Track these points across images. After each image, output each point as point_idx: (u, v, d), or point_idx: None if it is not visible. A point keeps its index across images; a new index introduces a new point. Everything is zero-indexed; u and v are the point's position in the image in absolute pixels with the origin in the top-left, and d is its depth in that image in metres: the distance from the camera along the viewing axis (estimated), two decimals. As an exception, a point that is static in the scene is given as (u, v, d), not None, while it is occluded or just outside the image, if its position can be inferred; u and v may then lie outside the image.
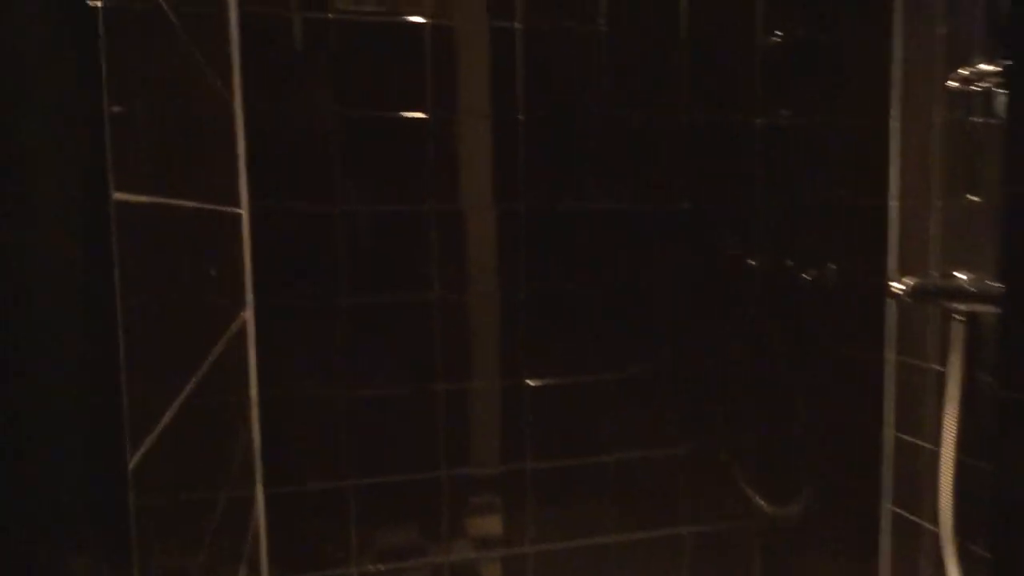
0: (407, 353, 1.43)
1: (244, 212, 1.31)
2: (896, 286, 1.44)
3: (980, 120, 1.34)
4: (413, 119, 1.38)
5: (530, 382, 1.49)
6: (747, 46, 1.55)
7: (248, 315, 1.32)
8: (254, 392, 1.34)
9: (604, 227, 1.52)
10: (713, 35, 1.55)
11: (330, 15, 1.35)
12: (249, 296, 1.33)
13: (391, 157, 1.38)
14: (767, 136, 1.58)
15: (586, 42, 1.47)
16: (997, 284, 1.24)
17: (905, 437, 1.58)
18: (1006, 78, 1.24)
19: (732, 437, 1.64)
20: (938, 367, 1.44)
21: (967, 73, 1.33)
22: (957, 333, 1.38)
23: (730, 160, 1.57)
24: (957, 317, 1.37)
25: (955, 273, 1.40)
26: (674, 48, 1.50)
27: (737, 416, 1.64)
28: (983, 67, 1.31)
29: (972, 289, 1.30)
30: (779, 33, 1.57)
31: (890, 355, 1.60)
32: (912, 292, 1.42)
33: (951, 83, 1.35)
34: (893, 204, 1.61)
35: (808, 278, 1.64)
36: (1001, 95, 1.27)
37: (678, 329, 1.59)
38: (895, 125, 1.59)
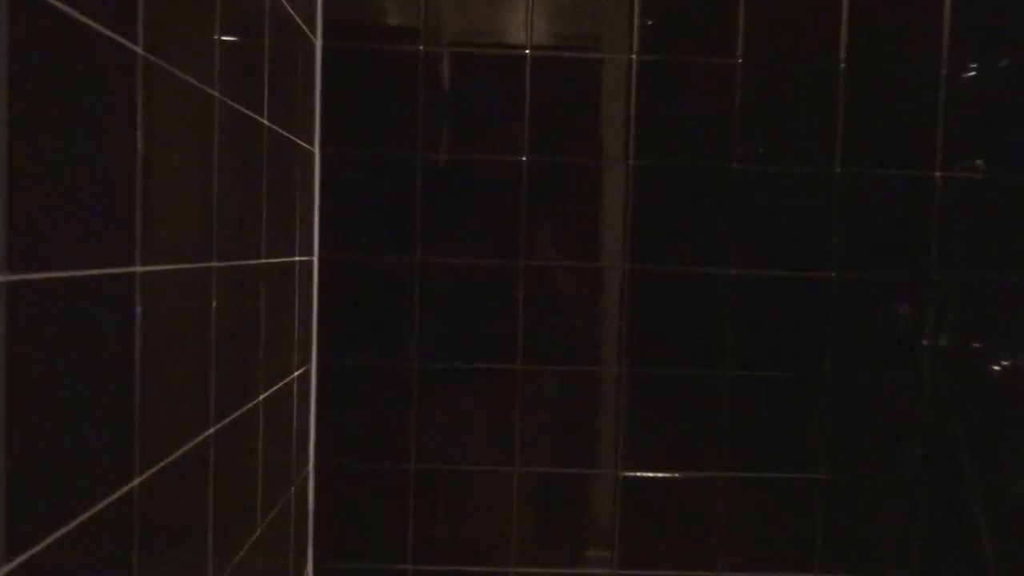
0: (483, 428, 1.26)
1: (315, 259, 1.21)
2: None
3: None
4: (509, 161, 1.22)
5: (626, 474, 1.26)
6: (928, 80, 1.24)
7: (311, 370, 1.20)
8: (311, 457, 1.22)
9: (732, 294, 1.26)
10: (881, 67, 1.25)
11: (422, 47, 1.22)
12: (313, 351, 1.22)
13: (481, 203, 1.22)
14: (948, 192, 1.25)
15: (719, 76, 1.24)
16: None
17: None
18: None
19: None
20: None
21: None
22: None
23: (899, 219, 1.26)
24: None
25: None
26: (829, 84, 1.23)
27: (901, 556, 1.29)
28: None
29: None
30: (973, 65, 1.25)
31: None
32: None
33: None
34: None
35: (998, 368, 1.27)
36: None
37: (832, 427, 1.27)
38: None
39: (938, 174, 1.25)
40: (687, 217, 1.24)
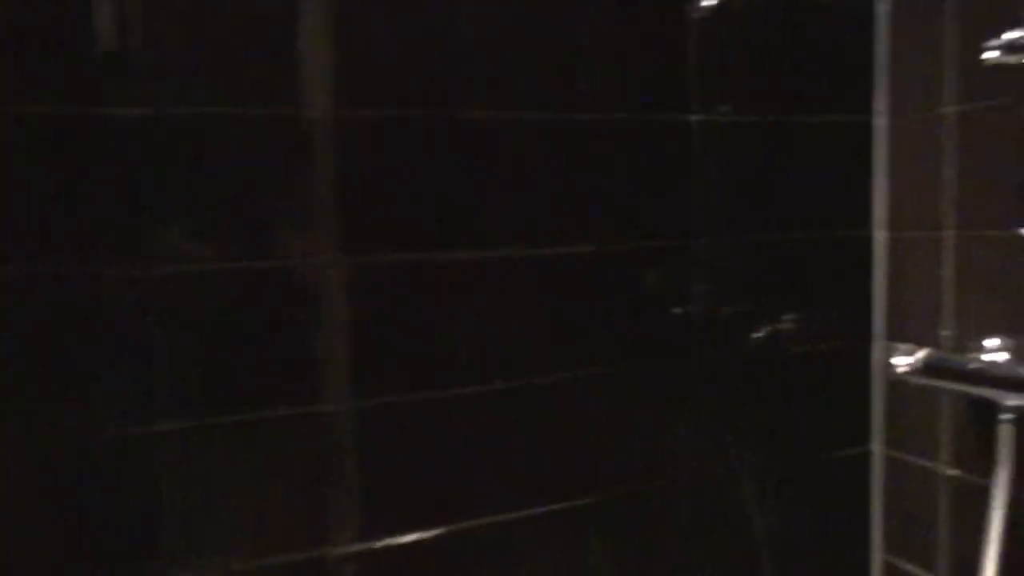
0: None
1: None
2: (898, 363, 1.11)
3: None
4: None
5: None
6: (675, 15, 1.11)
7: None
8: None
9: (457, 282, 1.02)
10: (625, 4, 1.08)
11: None
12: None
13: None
14: (704, 139, 1.13)
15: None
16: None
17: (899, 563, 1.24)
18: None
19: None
20: (952, 470, 1.11)
21: (1019, 38, 0.90)
22: (1006, 438, 1.05)
23: (657, 173, 1.12)
24: (1004, 417, 1.05)
25: (985, 343, 1.09)
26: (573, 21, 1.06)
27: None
28: None
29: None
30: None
31: (877, 448, 1.25)
32: (920, 370, 1.08)
33: (989, 55, 0.93)
34: (880, 236, 1.26)
35: (761, 337, 1.20)
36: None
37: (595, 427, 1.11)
38: (881, 122, 1.24)
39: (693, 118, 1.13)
40: (408, 189, 0.98)
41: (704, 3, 1.11)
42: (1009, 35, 0.90)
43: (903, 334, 1.23)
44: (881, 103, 1.23)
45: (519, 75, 1.03)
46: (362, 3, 0.94)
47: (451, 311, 1.02)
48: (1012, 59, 0.91)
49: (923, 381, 1.08)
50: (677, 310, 1.14)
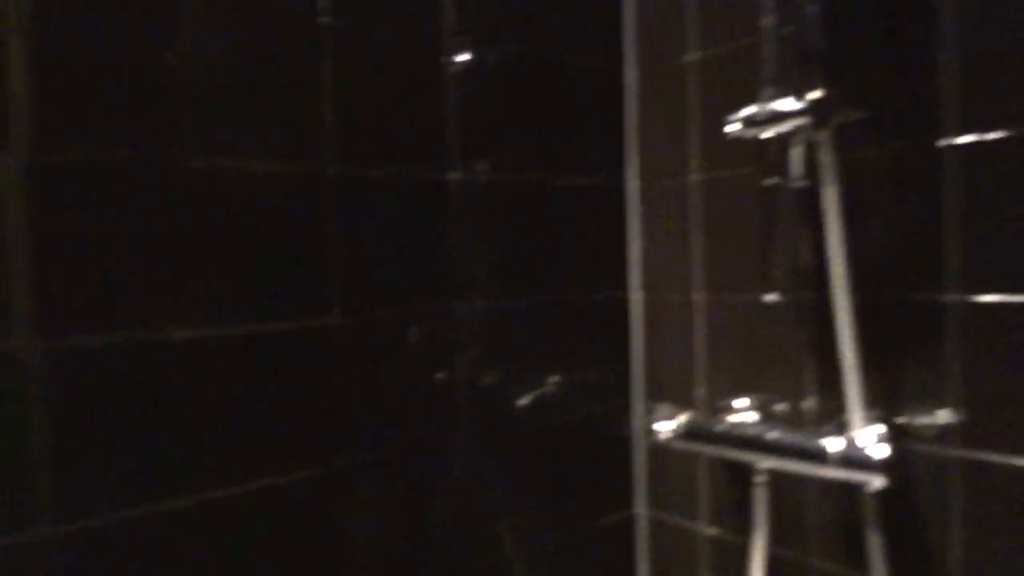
0: None
1: None
2: (659, 428, 1.11)
3: (775, 181, 1.00)
4: None
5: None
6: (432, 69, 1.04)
7: None
8: None
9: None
10: (372, 52, 0.98)
11: None
12: None
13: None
14: (463, 198, 1.06)
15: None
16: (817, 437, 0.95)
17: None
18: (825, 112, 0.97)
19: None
20: (712, 530, 1.14)
21: (756, 113, 0.93)
22: (760, 499, 1.08)
23: (413, 233, 1.03)
24: (758, 480, 1.08)
25: (735, 403, 1.14)
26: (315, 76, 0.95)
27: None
28: (780, 105, 0.90)
29: (775, 439, 1.00)
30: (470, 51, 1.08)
31: (642, 511, 1.24)
32: (678, 434, 1.08)
33: (731, 128, 0.95)
34: (637, 298, 1.28)
35: (524, 402, 1.14)
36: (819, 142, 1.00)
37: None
38: (633, 187, 1.28)
39: (456, 176, 1.07)
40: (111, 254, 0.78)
41: (458, 58, 1.05)
42: (747, 111, 0.94)
43: (662, 395, 1.24)
44: (633, 168, 1.26)
45: (253, 122, 0.88)
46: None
47: (163, 401, 0.82)
48: (750, 132, 0.95)
49: (682, 445, 1.08)
50: (440, 375, 1.05)
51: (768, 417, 1.07)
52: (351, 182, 0.95)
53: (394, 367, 1.00)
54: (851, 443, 0.90)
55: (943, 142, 0.87)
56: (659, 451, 1.25)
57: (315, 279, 0.93)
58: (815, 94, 0.89)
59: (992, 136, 0.83)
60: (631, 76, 1.25)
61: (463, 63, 1.06)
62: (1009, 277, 0.83)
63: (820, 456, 0.92)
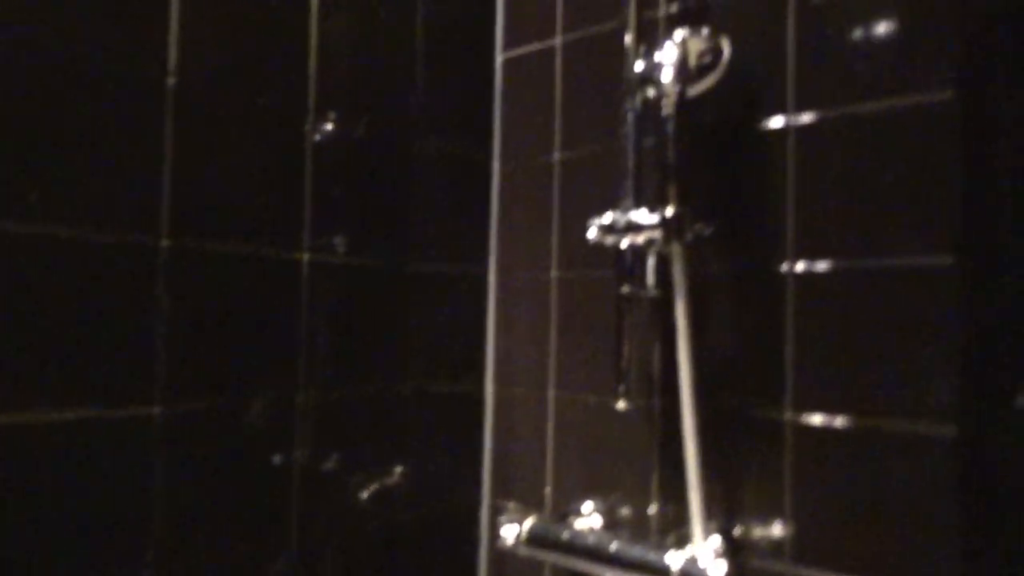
0: None
1: None
2: (504, 532, 1.06)
3: (629, 289, 0.98)
4: None
5: None
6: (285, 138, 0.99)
7: None
8: None
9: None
10: (222, 117, 0.93)
11: None
12: None
13: None
14: (315, 279, 1.01)
15: None
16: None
17: None
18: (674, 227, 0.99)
19: None
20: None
21: (613, 222, 0.93)
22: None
23: (261, 313, 0.96)
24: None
25: (582, 507, 1.11)
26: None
27: None
28: (636, 216, 0.92)
29: (618, 551, 0.98)
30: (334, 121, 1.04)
31: None
32: (524, 540, 1.04)
33: (590, 233, 0.96)
34: (491, 391, 1.25)
35: (369, 498, 1.07)
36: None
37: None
38: (493, 278, 1.26)
39: (305, 256, 1.00)
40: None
41: (319, 131, 1.01)
42: (606, 218, 0.95)
43: (511, 494, 1.20)
44: (495, 260, 1.25)
45: (77, 184, 0.79)
46: None
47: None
48: (608, 239, 0.96)
49: (528, 552, 1.04)
50: (276, 458, 0.96)
51: (614, 523, 1.06)
52: (186, 256, 0.87)
53: (224, 458, 0.91)
54: (691, 559, 0.90)
55: (784, 267, 0.91)
56: (505, 556, 1.20)
57: (138, 363, 0.83)
58: (669, 209, 0.92)
59: (820, 266, 0.88)
60: (498, 168, 1.25)
61: (324, 137, 1.02)
62: (833, 399, 0.86)
63: (662, 572, 0.90)
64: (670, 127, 0.95)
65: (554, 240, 1.17)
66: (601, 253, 1.08)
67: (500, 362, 1.24)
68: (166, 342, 0.85)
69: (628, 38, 0.98)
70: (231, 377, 0.92)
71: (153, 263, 0.84)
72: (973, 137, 0.90)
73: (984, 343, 0.81)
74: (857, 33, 0.87)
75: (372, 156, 1.08)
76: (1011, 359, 0.78)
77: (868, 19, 0.87)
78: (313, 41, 1.00)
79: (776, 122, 0.93)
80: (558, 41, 1.18)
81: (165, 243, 0.85)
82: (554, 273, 1.16)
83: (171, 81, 0.85)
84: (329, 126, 1.02)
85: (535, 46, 1.21)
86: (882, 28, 0.86)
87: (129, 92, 0.82)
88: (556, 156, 1.17)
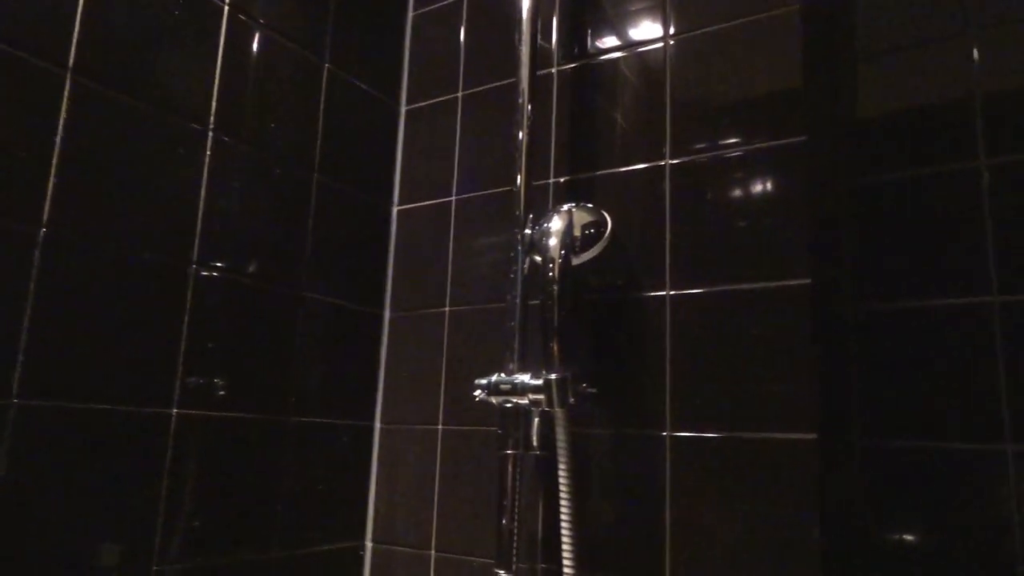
0: None
1: None
2: None
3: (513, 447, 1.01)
4: None
5: None
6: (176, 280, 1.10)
7: None
8: None
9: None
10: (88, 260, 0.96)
11: None
12: None
13: None
14: (184, 434, 1.01)
15: None
16: None
17: None
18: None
19: None
20: None
21: (499, 382, 0.95)
22: None
23: (123, 471, 0.95)
24: None
25: None
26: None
27: None
28: (521, 378, 0.94)
29: None
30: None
31: None
32: None
33: (476, 392, 0.97)
34: (370, 549, 1.18)
35: None
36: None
37: None
38: (377, 432, 1.22)
39: (174, 411, 1.03)
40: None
41: (204, 273, 0.99)
42: (492, 378, 0.96)
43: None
44: (379, 410, 1.22)
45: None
46: None
47: None
48: (493, 399, 0.96)
49: None
50: None
51: None
52: (38, 414, 0.81)
53: None
54: None
55: (663, 431, 0.93)
56: None
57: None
58: (553, 374, 0.93)
59: (697, 432, 0.91)
60: (388, 319, 1.25)
61: (207, 283, 0.99)
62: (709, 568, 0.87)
63: None
64: (554, 291, 0.98)
65: (441, 394, 1.16)
66: (487, 409, 1.08)
67: (381, 520, 1.19)
68: (12, 494, 0.77)
69: (518, 205, 1.03)
70: (78, 540, 0.83)
71: (3, 419, 0.77)
72: (825, 316, 0.98)
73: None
74: (731, 222, 0.95)
75: (257, 304, 1.06)
76: None
77: (739, 212, 0.95)
78: (203, 192, 1.00)
79: (654, 292, 0.98)
80: (452, 198, 1.22)
81: (16, 401, 0.79)
82: (440, 427, 1.15)
83: (42, 232, 0.82)
84: (213, 273, 1.00)
85: (430, 202, 1.25)
86: (751, 220, 0.94)
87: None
88: (447, 309, 1.19)
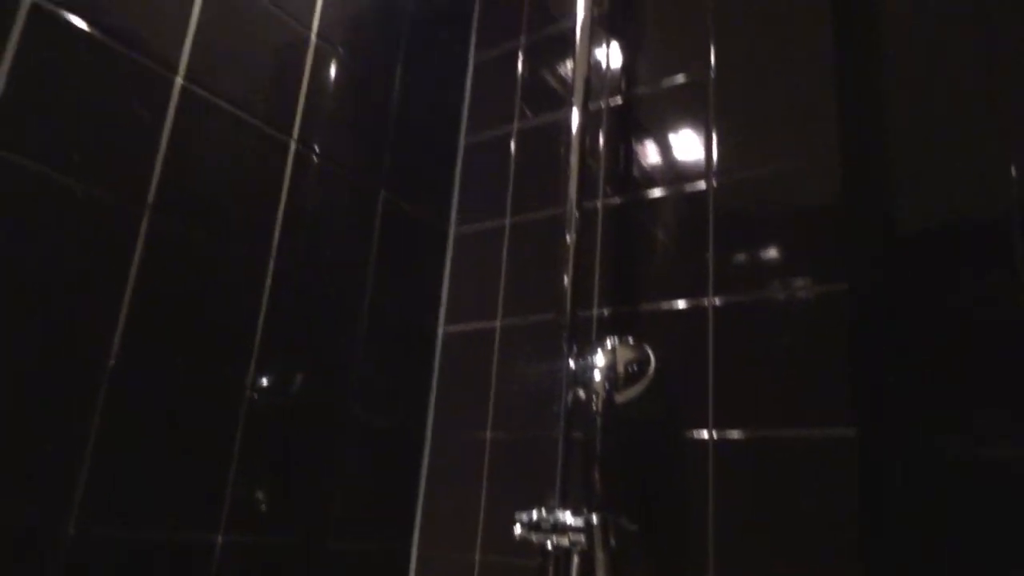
0: None
1: None
2: None
3: None
4: None
5: None
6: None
7: None
8: None
9: None
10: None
11: None
12: None
13: None
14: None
15: None
16: None
17: None
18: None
19: None
20: None
21: (540, 520, 0.94)
22: None
23: None
24: None
25: None
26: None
27: None
28: (562, 516, 0.93)
29: None
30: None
31: None
32: None
33: (516, 529, 0.96)
34: None
35: None
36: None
37: None
38: (414, 560, 1.21)
39: (219, 539, 1.07)
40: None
41: (261, 381, 1.02)
42: (532, 515, 0.96)
43: None
44: (417, 537, 1.22)
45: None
46: None
47: None
48: (533, 537, 0.96)
49: None
50: None
51: None
52: (93, 544, 0.83)
53: None
54: None
55: (705, 581, 0.92)
56: None
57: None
58: (595, 514, 0.93)
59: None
60: (430, 442, 1.26)
61: (259, 398, 1.02)
62: None
63: None
64: (598, 427, 0.99)
65: (480, 523, 1.16)
66: (526, 541, 1.07)
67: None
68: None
69: (563, 338, 1.05)
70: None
71: (60, 549, 0.79)
72: (872, 467, 0.97)
73: None
74: (775, 366, 0.96)
75: (301, 421, 1.08)
76: None
77: (783, 355, 0.96)
78: (262, 313, 1.04)
79: (698, 434, 0.98)
80: (497, 324, 1.25)
81: (72, 531, 0.81)
82: (478, 556, 1.14)
83: (110, 363, 0.86)
84: (264, 381, 1.03)
85: (475, 325, 1.28)
86: (795, 365, 0.95)
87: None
88: (487, 434, 1.19)
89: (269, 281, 1.04)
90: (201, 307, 0.96)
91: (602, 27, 1.30)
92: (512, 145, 1.35)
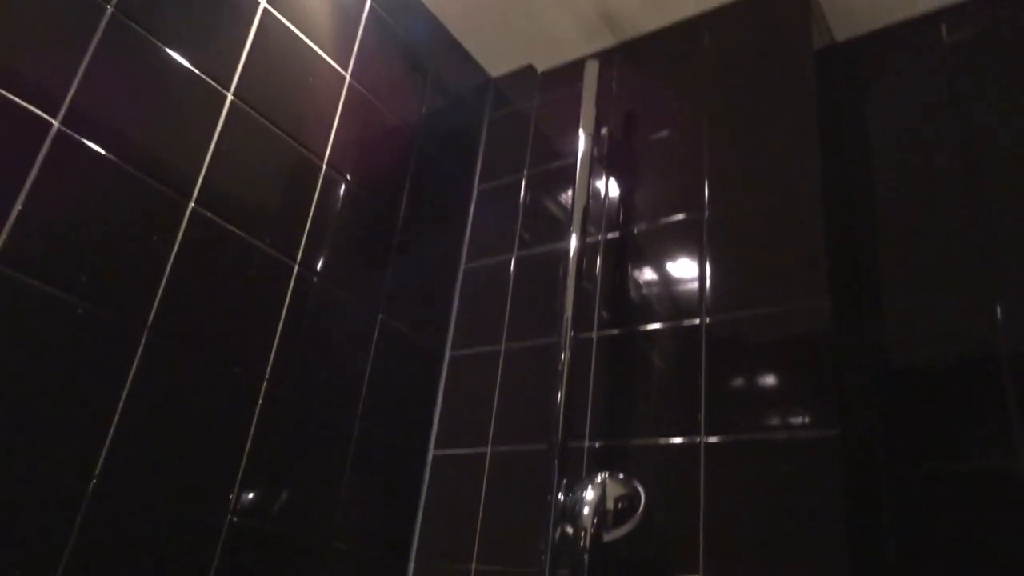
0: None
1: None
2: None
3: None
4: None
5: None
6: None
7: None
8: None
9: None
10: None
11: None
12: None
13: None
14: None
15: None
16: None
17: None
18: None
19: None
20: None
21: None
22: None
23: None
24: None
25: None
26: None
27: None
28: None
29: None
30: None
31: None
32: None
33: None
34: None
35: None
36: None
37: None
38: None
39: None
40: None
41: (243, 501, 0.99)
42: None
43: None
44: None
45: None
46: None
47: None
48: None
49: None
50: None
51: None
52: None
53: None
54: None
55: None
56: None
57: None
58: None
59: None
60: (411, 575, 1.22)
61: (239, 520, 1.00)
62: None
63: None
64: (584, 563, 0.96)
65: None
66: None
67: None
68: None
69: (552, 469, 1.04)
70: None
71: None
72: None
73: None
74: (766, 508, 0.94)
75: (281, 547, 1.06)
76: None
77: (774, 496, 0.94)
78: (249, 440, 1.03)
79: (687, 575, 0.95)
80: (488, 450, 1.24)
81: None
82: None
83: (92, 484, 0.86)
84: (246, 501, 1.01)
85: (466, 450, 1.27)
86: (786, 507, 0.93)
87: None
88: (472, 566, 1.16)
89: (260, 402, 1.04)
90: (189, 427, 0.96)
91: (601, 165, 1.36)
92: (511, 271, 1.38)
